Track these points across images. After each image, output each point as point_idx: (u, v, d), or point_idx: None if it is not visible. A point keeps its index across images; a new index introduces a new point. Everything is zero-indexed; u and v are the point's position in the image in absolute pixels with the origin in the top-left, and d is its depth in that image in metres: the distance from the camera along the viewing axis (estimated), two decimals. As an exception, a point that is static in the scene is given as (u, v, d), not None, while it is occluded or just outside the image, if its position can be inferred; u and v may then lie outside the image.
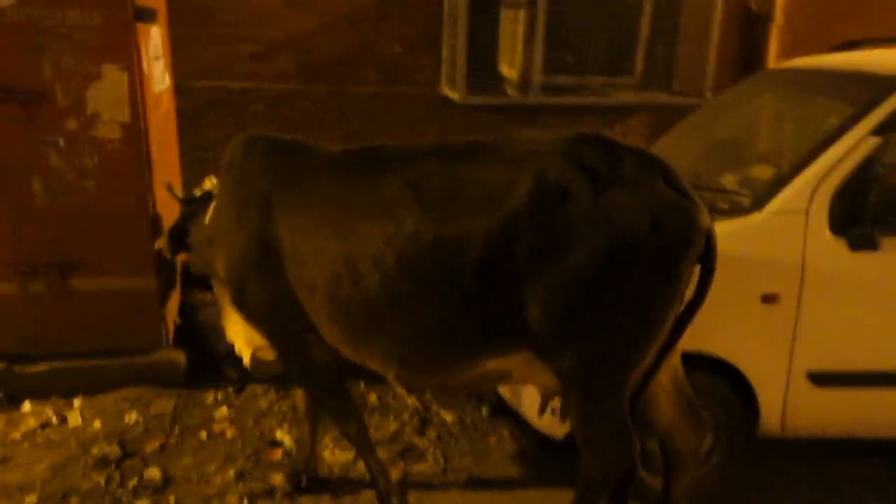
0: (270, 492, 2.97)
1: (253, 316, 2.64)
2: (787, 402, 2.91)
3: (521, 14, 4.24)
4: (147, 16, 3.30)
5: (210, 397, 3.62)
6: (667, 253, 2.18)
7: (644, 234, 2.14)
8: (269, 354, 2.87)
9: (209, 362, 3.80)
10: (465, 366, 2.41)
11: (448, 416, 3.52)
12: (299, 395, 2.97)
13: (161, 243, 3.15)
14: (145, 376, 3.59)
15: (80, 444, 3.24)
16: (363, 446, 2.77)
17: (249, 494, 2.96)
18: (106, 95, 3.20)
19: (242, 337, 2.88)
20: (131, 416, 3.43)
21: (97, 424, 3.38)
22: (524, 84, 4.34)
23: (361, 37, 4.60)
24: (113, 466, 3.10)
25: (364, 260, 2.31)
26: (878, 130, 2.77)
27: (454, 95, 4.40)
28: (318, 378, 2.68)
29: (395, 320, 2.35)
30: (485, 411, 3.58)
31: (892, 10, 5.40)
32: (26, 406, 3.49)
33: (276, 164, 2.60)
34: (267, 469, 3.13)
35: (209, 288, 3.51)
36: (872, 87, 2.89)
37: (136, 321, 3.52)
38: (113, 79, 3.18)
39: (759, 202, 2.82)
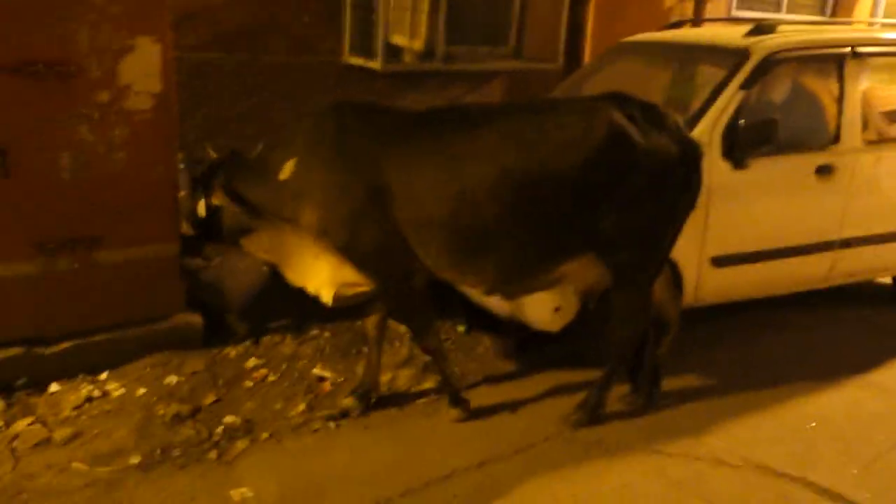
0: (345, 413, 3.44)
1: (364, 255, 3.09)
2: (698, 279, 4.14)
3: (426, -8, 4.93)
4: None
5: (231, 352, 3.86)
6: (686, 172, 3.20)
7: (674, 161, 3.14)
8: (349, 290, 3.32)
9: (211, 322, 3.98)
10: (548, 271, 3.22)
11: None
12: (370, 323, 3.45)
13: (198, 205, 3.32)
14: (166, 342, 3.70)
15: (142, 408, 3.35)
16: (441, 355, 3.39)
17: (330, 418, 3.40)
18: (139, 67, 3.25)
19: (324, 278, 3.27)
20: (171, 379, 3.57)
21: (141, 390, 3.48)
22: (429, 54, 5.03)
23: (271, 10, 4.85)
24: (191, 421, 3.31)
25: (480, 195, 2.96)
26: (744, 86, 4.06)
27: (373, 64, 4.93)
28: (413, 301, 3.24)
29: (504, 240, 3.06)
30: (461, 329, 4.34)
31: None
32: (54, 387, 3.43)
33: (375, 125, 3.08)
34: (325, 399, 3.57)
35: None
36: (734, 56, 4.17)
37: (157, 288, 3.62)
38: (146, 50, 3.24)
39: (681, 137, 3.97)
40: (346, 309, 4.21)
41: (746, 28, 4.46)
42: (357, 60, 5.07)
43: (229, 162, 3.28)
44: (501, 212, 3.00)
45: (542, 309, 3.81)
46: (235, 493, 2.87)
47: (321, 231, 3.10)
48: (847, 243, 4.52)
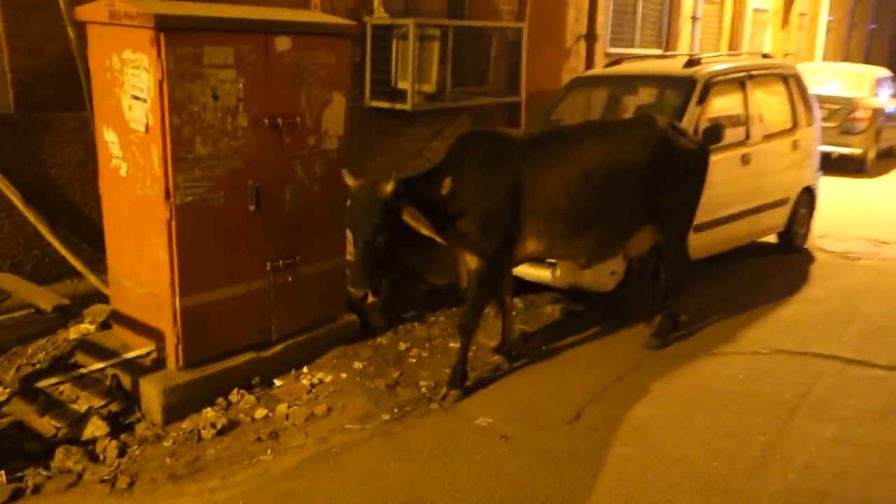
0: (498, 367, 4.52)
1: (491, 239, 4.08)
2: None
3: (436, 45, 6.05)
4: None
5: (383, 341, 4.75)
6: (703, 164, 4.73)
7: (696, 157, 4.66)
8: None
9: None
10: (625, 241, 4.57)
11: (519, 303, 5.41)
12: (507, 297, 4.56)
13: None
14: (338, 338, 4.52)
15: (356, 386, 4.20)
16: (471, 338, 4.32)
17: (496, 367, 4.47)
18: (332, 115, 4.11)
19: (457, 270, 4.23)
20: (357, 364, 4.43)
21: (342, 375, 4.30)
22: (439, 95, 6.17)
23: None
24: (398, 388, 4.20)
25: (586, 188, 4.23)
26: (698, 102, 5.73)
27: (403, 106, 5.99)
28: (491, 282, 4.29)
29: (602, 220, 4.35)
30: (520, 304, 5.53)
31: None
32: (278, 381, 4.14)
33: (508, 145, 4.22)
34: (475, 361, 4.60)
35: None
36: (686, 82, 5.83)
37: (332, 294, 4.44)
38: (338, 102, 4.12)
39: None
40: (445, 299, 5.32)
41: (682, 61, 6.20)
42: (380, 104, 6.11)
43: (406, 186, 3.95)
44: (599, 199, 4.30)
45: (603, 274, 5.16)
46: (482, 421, 3.87)
47: (469, 221, 3.99)
48: (759, 209, 6.39)
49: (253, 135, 3.80)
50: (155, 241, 3.68)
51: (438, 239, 3.79)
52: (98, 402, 3.80)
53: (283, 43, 3.80)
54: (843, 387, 4.30)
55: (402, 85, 6.35)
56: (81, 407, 3.78)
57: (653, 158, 4.46)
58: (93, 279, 4.50)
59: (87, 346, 4.12)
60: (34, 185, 4.38)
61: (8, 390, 3.94)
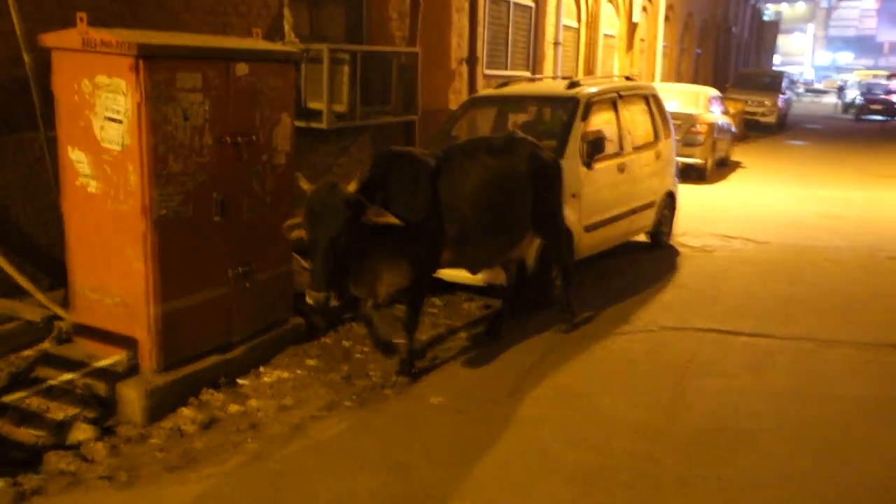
0: (435, 357, 5.06)
1: (424, 249, 4.50)
2: (580, 240, 6.52)
3: (346, 68, 6.51)
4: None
5: (327, 340, 5.15)
6: (560, 174, 5.48)
7: (556, 168, 5.42)
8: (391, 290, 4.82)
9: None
10: (515, 246, 5.23)
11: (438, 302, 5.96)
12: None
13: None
14: (288, 339, 4.88)
15: (315, 379, 4.60)
16: (415, 329, 4.80)
17: (434, 356, 4.99)
18: (281, 133, 4.49)
19: (380, 286, 4.53)
20: (310, 362, 4.80)
21: (299, 371, 4.68)
22: (351, 113, 6.62)
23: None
24: (353, 378, 4.63)
25: (492, 196, 4.83)
26: (582, 119, 6.57)
27: (319, 124, 6.39)
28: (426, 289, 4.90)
29: (499, 222, 4.94)
30: (438, 302, 6.10)
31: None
32: (241, 380, 4.46)
33: (423, 163, 4.62)
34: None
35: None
36: (570, 101, 6.66)
37: (281, 299, 4.79)
38: (285, 122, 4.50)
39: (560, 154, 6.29)
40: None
41: (563, 83, 7.06)
42: (298, 123, 6.48)
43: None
44: (498, 208, 4.87)
45: (499, 274, 5.82)
46: (434, 400, 4.38)
47: (406, 237, 4.27)
48: (633, 211, 7.35)
49: (216, 152, 4.13)
50: (130, 253, 3.91)
51: (397, 222, 4.05)
52: (73, 411, 3.96)
53: (241, 69, 4.17)
54: (721, 351, 5.21)
55: (312, 105, 6.74)
56: (56, 416, 3.93)
57: (531, 170, 5.15)
58: (40, 296, 4.57)
59: (48, 359, 4.23)
60: (-22, 207, 4.43)
61: (-33, 409, 4.01)
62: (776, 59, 49.04)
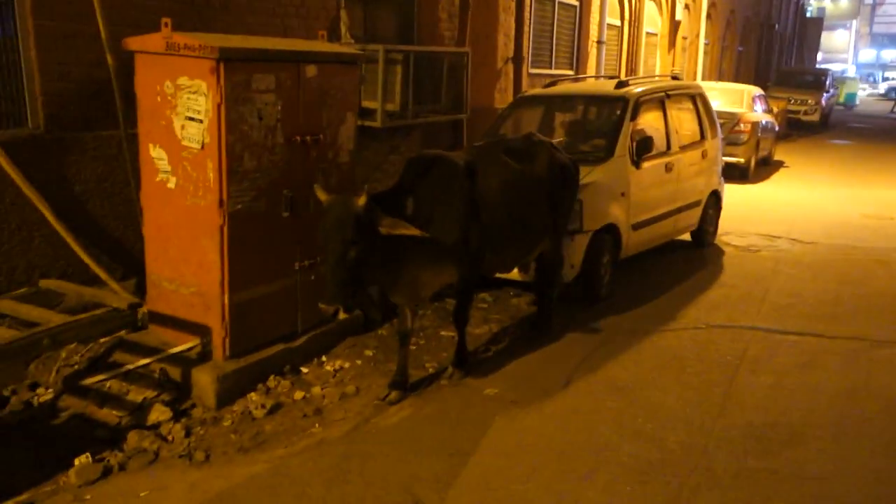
0: (487, 349, 5.21)
1: (465, 251, 4.41)
2: (627, 239, 6.61)
3: (399, 68, 6.70)
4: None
5: (383, 332, 5.32)
6: (576, 179, 5.52)
7: (573, 170, 5.45)
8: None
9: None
10: (537, 248, 5.30)
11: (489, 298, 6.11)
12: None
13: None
14: (346, 330, 5.07)
15: (373, 369, 4.79)
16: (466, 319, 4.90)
17: (486, 349, 5.14)
18: (346, 133, 4.68)
19: (420, 290, 4.50)
20: (368, 352, 5.00)
21: (358, 361, 4.87)
22: (403, 112, 6.82)
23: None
24: (410, 369, 4.79)
25: (510, 196, 4.78)
26: (631, 119, 6.66)
27: (373, 123, 6.59)
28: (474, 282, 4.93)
29: (520, 225, 4.89)
30: (489, 298, 6.25)
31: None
32: (304, 369, 4.67)
33: (454, 167, 4.50)
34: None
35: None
36: (620, 101, 6.75)
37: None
38: (350, 121, 4.69)
39: (610, 153, 6.41)
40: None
41: (612, 83, 7.15)
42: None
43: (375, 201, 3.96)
44: (524, 211, 4.88)
45: (564, 268, 5.94)
46: (489, 391, 4.54)
47: (442, 239, 4.18)
48: (679, 210, 7.41)
49: (287, 150, 4.34)
50: (205, 245, 4.13)
51: (419, 233, 3.92)
52: (150, 394, 4.19)
53: (311, 70, 4.36)
54: (770, 349, 5.28)
55: (365, 103, 6.94)
56: (135, 398, 4.16)
57: (550, 172, 5.16)
58: (115, 286, 4.82)
59: (126, 345, 4.48)
60: (61, 201, 4.68)
61: (50, 390, 4.27)
62: (819, 56, 48.23)
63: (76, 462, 3.60)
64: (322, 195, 3.90)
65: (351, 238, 3.72)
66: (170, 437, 3.91)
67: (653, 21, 16.10)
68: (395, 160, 7.68)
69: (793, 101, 21.02)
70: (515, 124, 7.48)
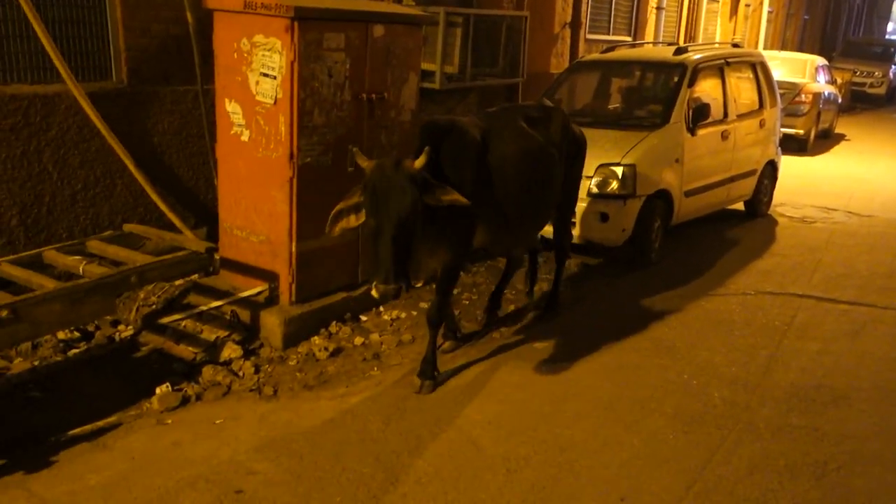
0: (537, 306, 5.38)
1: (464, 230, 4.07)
2: (679, 205, 6.67)
3: (458, 31, 6.83)
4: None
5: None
6: (585, 151, 5.40)
7: (584, 145, 5.30)
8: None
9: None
10: (546, 221, 5.17)
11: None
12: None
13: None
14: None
15: (431, 319, 4.99)
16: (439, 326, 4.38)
17: (536, 304, 5.32)
18: (408, 92, 4.85)
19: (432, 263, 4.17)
20: (423, 305, 5.18)
21: (414, 312, 5.09)
22: (461, 74, 6.96)
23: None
24: (465, 322, 5.01)
25: (526, 166, 4.48)
26: (689, 85, 6.67)
27: (432, 85, 6.74)
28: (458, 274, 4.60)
29: (535, 196, 4.50)
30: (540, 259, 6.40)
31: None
32: (363, 316, 4.93)
33: (468, 134, 4.13)
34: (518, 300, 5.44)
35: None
36: (678, 68, 6.77)
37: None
38: (413, 81, 4.87)
39: (665, 120, 6.45)
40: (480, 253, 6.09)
41: (671, 49, 7.15)
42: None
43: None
44: (538, 183, 4.50)
45: (615, 231, 6.06)
46: (538, 345, 4.72)
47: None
48: (733, 179, 7.41)
49: (353, 108, 4.53)
50: (275, 196, 4.38)
51: (465, 202, 3.60)
52: (222, 333, 4.50)
53: (378, 30, 4.53)
54: (819, 316, 5.34)
55: (424, 65, 7.08)
56: (209, 337, 4.47)
57: (563, 140, 4.81)
58: (188, 233, 5.13)
59: (198, 288, 4.79)
60: (140, 151, 4.99)
61: (130, 327, 4.61)
62: (889, 26, 46.25)
63: (157, 391, 3.92)
64: (363, 161, 3.56)
65: (409, 207, 3.36)
66: (240, 373, 4.21)
67: (715, -13, 15.77)
68: (451, 122, 7.83)
69: (858, 73, 20.37)
70: (571, 89, 7.57)
